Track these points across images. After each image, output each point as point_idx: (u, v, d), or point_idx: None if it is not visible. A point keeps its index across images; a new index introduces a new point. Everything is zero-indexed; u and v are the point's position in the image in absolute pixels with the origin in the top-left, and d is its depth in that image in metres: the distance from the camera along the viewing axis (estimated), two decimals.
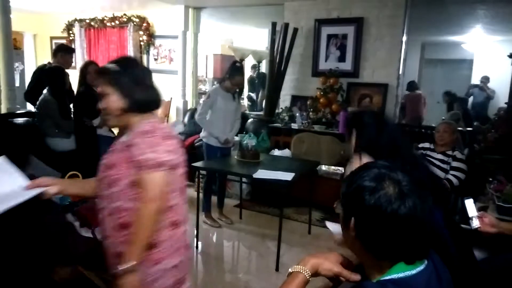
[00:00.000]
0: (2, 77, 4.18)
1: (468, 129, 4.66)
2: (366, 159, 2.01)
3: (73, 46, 7.07)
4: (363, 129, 2.13)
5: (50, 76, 3.31)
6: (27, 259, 1.40)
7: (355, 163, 2.07)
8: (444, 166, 3.28)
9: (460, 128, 3.91)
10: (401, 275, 0.86)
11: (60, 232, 1.53)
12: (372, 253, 0.90)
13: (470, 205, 1.69)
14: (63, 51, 4.00)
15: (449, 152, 3.32)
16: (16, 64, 5.53)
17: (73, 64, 6.84)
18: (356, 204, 0.88)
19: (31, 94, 3.83)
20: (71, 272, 1.48)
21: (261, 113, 5.26)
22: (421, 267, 0.89)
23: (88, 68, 3.34)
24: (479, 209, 1.77)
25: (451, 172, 3.22)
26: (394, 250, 0.87)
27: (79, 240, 1.62)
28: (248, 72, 7.08)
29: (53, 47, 6.55)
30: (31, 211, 1.47)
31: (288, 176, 2.95)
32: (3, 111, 4.12)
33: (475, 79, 7.67)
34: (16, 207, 1.23)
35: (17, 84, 4.58)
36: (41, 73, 3.89)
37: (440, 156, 3.33)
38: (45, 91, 3.28)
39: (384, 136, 1.93)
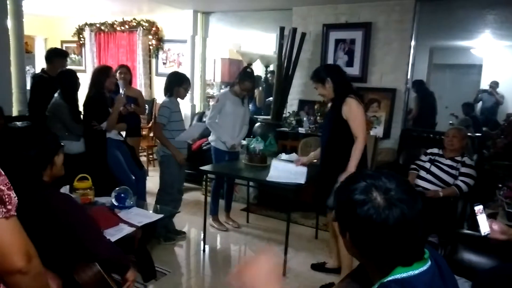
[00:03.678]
0: (14, 80, 4.24)
1: (477, 134, 4.62)
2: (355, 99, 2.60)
3: (83, 50, 7.19)
4: (338, 74, 2.71)
5: (62, 79, 3.34)
6: (52, 252, 1.41)
7: (354, 105, 2.57)
8: (453, 172, 3.26)
9: (469, 134, 3.89)
10: (404, 275, 0.89)
11: (84, 231, 1.55)
12: (371, 260, 0.94)
13: (479, 212, 1.68)
14: (59, 56, 4.04)
15: (458, 158, 3.30)
16: (27, 68, 5.59)
17: (82, 68, 7.04)
18: (349, 218, 0.92)
19: (34, 104, 3.88)
20: (93, 275, 1.48)
21: (269, 117, 5.27)
22: (424, 267, 0.91)
23: (110, 72, 3.42)
24: (488, 216, 1.76)
25: (460, 178, 3.20)
26: (390, 256, 0.90)
27: (104, 243, 1.63)
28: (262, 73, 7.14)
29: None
30: (55, 206, 1.49)
31: (301, 178, 2.94)
32: (15, 113, 4.17)
33: (484, 84, 7.62)
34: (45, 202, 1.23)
35: (28, 87, 4.64)
36: (39, 82, 3.93)
37: (449, 162, 3.31)
38: (56, 94, 3.32)
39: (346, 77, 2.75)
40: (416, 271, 0.89)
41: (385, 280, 0.89)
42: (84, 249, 1.51)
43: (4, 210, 0.93)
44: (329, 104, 2.89)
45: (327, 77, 2.67)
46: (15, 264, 0.95)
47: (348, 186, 0.93)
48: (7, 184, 0.96)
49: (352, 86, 2.75)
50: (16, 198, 0.98)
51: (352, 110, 2.57)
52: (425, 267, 0.91)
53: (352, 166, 2.56)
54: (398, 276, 0.89)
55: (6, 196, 0.95)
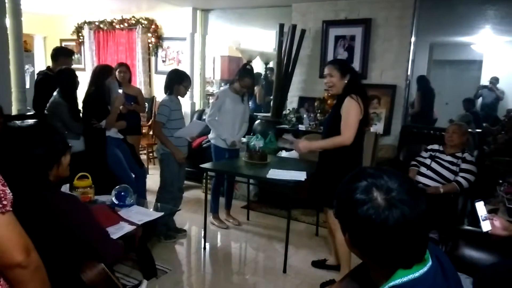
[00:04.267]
0: (13, 79, 4.22)
1: (478, 130, 4.61)
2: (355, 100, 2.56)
3: (82, 48, 7.17)
4: (355, 73, 2.74)
5: (61, 78, 3.33)
6: (56, 251, 1.42)
7: (353, 105, 2.54)
8: (454, 168, 3.26)
9: (469, 130, 3.88)
10: (405, 279, 0.87)
11: (91, 232, 1.55)
12: (372, 260, 0.93)
13: (480, 208, 1.67)
14: (65, 55, 4.03)
15: (459, 154, 3.30)
16: (27, 66, 5.58)
17: (81, 66, 7.02)
18: (349, 217, 0.91)
19: (38, 101, 3.88)
20: (99, 273, 1.48)
21: (269, 114, 5.26)
22: (425, 269, 0.89)
23: (111, 72, 3.45)
24: (489, 212, 1.75)
25: (461, 174, 3.19)
26: (390, 258, 0.88)
27: (112, 243, 1.63)
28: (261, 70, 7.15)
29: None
30: (63, 207, 1.50)
31: (301, 176, 2.93)
32: (14, 112, 4.16)
33: (485, 80, 7.60)
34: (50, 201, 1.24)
35: (27, 86, 4.63)
36: (44, 79, 3.92)
37: (449, 158, 3.31)
38: (55, 93, 3.31)
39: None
40: (417, 274, 0.87)
41: (386, 287, 0.88)
42: (92, 250, 1.51)
43: None
44: (329, 101, 2.88)
45: (349, 73, 2.62)
46: (15, 258, 0.97)
47: (349, 185, 0.91)
48: (1, 180, 0.97)
49: (363, 88, 2.68)
50: (11, 194, 0.99)
51: (348, 110, 2.54)
52: (425, 268, 0.89)
53: (315, 143, 2.74)
54: (398, 281, 0.87)
55: (1, 192, 0.96)
